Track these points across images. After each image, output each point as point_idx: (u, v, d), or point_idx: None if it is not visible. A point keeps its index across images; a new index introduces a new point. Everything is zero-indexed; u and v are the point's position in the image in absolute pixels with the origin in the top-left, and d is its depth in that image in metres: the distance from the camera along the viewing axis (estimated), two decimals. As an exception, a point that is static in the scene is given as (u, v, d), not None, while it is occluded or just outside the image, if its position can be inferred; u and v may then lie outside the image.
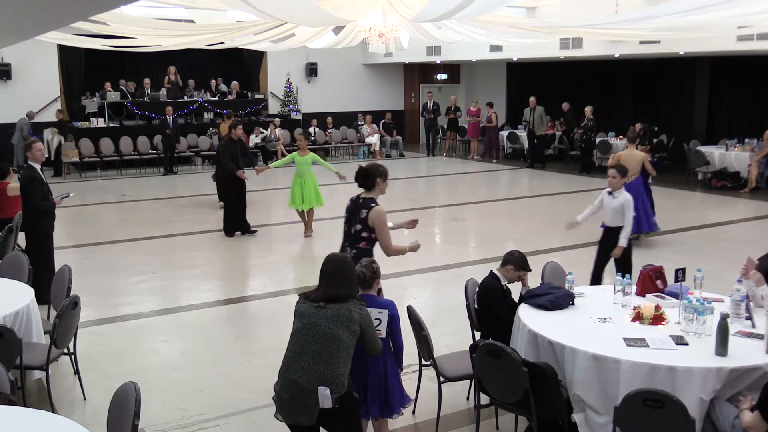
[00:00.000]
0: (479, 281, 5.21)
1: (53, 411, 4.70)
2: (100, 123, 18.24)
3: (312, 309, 3.75)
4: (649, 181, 10.15)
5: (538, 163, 18.39)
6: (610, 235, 7.11)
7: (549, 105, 18.82)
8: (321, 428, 3.78)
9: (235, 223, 10.94)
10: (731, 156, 14.80)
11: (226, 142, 11.13)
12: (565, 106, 18.44)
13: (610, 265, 9.04)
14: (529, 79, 21.72)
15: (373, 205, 5.16)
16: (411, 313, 4.80)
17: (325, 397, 3.59)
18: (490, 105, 19.82)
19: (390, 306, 4.20)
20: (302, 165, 10.95)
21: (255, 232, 11.03)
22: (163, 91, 19.30)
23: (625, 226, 6.91)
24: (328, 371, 3.63)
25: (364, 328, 3.78)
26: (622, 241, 6.94)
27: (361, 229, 5.16)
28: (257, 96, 20.94)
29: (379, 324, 4.08)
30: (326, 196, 15.29)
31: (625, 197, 6.91)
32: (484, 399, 4.51)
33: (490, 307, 5.02)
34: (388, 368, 4.18)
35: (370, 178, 5.23)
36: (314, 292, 3.86)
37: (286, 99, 21.28)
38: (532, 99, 18.25)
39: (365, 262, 4.29)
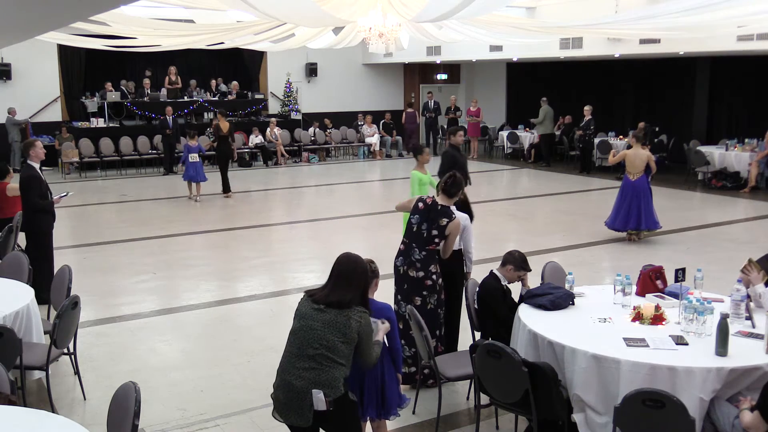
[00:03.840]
0: (479, 281, 5.21)
1: (53, 411, 4.70)
2: (100, 123, 18.24)
3: (311, 311, 3.70)
4: (650, 179, 10.17)
5: (545, 161, 18.56)
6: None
7: (548, 104, 18.83)
8: (321, 429, 3.78)
9: None
10: (731, 156, 14.80)
11: (449, 149, 9.44)
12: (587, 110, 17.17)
13: (610, 264, 9.07)
14: (529, 79, 21.72)
15: (454, 216, 5.35)
16: (411, 313, 4.81)
17: (318, 399, 3.57)
18: (410, 105, 21.28)
19: (386, 309, 4.19)
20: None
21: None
22: (163, 91, 19.30)
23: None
24: (323, 375, 3.60)
25: (361, 337, 3.68)
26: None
27: (437, 234, 5.32)
28: (257, 96, 20.94)
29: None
30: (324, 196, 15.35)
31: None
32: (484, 399, 4.51)
33: (490, 307, 5.03)
34: (385, 370, 4.16)
35: (456, 186, 5.44)
36: (320, 291, 3.79)
37: (286, 99, 21.28)
38: (543, 99, 18.39)
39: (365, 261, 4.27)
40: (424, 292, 5.33)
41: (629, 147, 10.25)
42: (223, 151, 14.43)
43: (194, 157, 13.75)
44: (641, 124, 13.55)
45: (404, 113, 21.16)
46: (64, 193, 7.53)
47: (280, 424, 3.83)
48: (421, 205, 5.42)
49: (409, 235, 5.44)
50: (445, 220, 5.30)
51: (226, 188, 14.29)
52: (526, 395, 4.07)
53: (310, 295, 3.80)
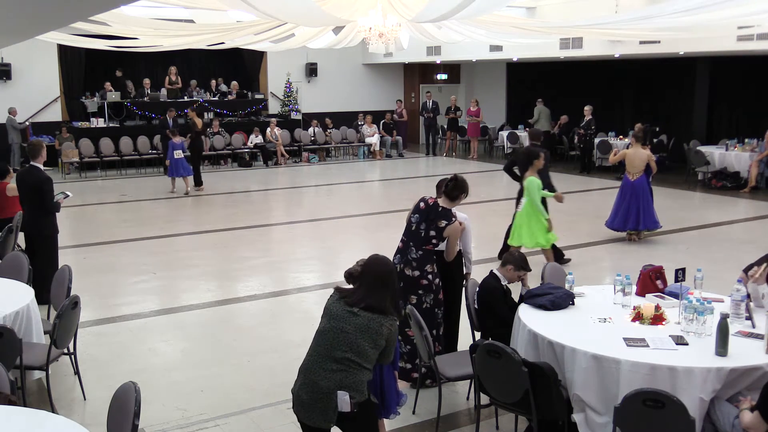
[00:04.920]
0: (479, 281, 5.21)
1: (53, 411, 4.70)
2: (100, 123, 18.24)
3: (344, 313, 3.63)
4: (650, 179, 10.18)
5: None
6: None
7: (548, 105, 18.83)
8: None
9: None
10: (731, 156, 14.80)
11: (529, 148, 8.98)
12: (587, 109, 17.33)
13: (610, 264, 9.07)
14: (529, 79, 21.72)
15: (454, 219, 5.32)
16: (411, 313, 4.81)
17: (343, 401, 3.54)
18: (400, 102, 22.08)
19: None
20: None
21: (568, 260, 9.02)
22: (163, 91, 19.29)
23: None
24: (349, 377, 3.57)
25: (389, 344, 3.67)
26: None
27: (435, 235, 5.32)
28: (257, 96, 20.94)
29: None
30: (324, 196, 15.34)
31: None
32: (484, 399, 4.51)
33: (490, 307, 5.03)
34: (384, 370, 4.15)
35: (458, 189, 5.38)
36: (352, 293, 3.70)
37: (286, 99, 21.28)
38: (539, 100, 18.40)
39: (362, 262, 4.26)
40: (420, 291, 5.34)
41: (629, 147, 10.26)
42: (197, 147, 15.12)
43: (179, 154, 14.41)
44: (639, 125, 13.56)
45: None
46: (66, 194, 7.52)
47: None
48: (422, 204, 5.42)
49: (408, 233, 5.45)
50: (443, 222, 5.29)
51: (198, 182, 15.02)
52: (526, 395, 4.07)
53: (343, 295, 3.71)
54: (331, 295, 3.77)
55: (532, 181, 8.07)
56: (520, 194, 8.61)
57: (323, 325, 3.69)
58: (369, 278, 3.70)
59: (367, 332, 3.58)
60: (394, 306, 3.73)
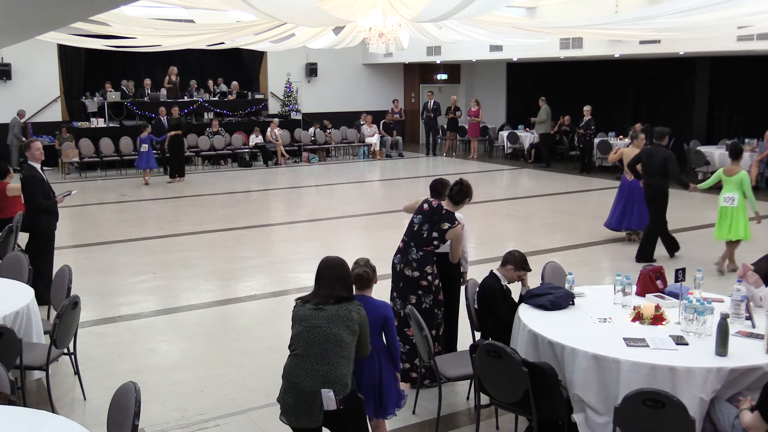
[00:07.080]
0: (479, 281, 5.21)
1: (53, 411, 4.70)
2: (100, 123, 18.24)
3: (311, 312, 3.75)
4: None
5: (544, 161, 18.51)
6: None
7: (548, 104, 18.83)
8: (325, 429, 3.78)
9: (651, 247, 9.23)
10: (731, 156, 14.78)
11: (653, 147, 9.19)
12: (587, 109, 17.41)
13: (611, 264, 9.07)
14: (529, 79, 21.72)
15: (457, 222, 5.34)
16: (411, 313, 4.81)
17: (328, 398, 3.59)
18: (395, 102, 22.27)
19: (383, 307, 4.19)
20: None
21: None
22: (163, 91, 19.28)
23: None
24: (331, 372, 3.62)
25: (362, 328, 3.78)
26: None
27: (437, 237, 5.35)
28: (257, 96, 20.93)
29: None
30: (324, 196, 15.35)
31: None
32: (484, 399, 4.51)
33: (490, 307, 5.03)
34: (383, 369, 4.17)
35: (463, 194, 5.40)
36: (312, 296, 3.85)
37: (286, 99, 21.28)
38: (542, 98, 18.38)
39: (362, 262, 4.28)
40: (419, 292, 5.35)
41: (629, 146, 10.27)
42: (178, 142, 16.39)
43: (145, 147, 15.67)
44: (637, 126, 13.58)
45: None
46: (68, 192, 7.52)
47: (281, 423, 3.84)
48: (426, 206, 5.44)
49: (409, 234, 5.46)
50: (446, 225, 5.32)
51: (182, 173, 16.47)
52: (526, 395, 4.07)
53: (306, 301, 3.85)
54: (295, 306, 3.89)
55: (747, 175, 8.58)
56: (652, 195, 9.12)
57: (296, 330, 3.79)
58: (327, 280, 3.85)
59: (339, 320, 3.70)
60: (353, 296, 3.90)
